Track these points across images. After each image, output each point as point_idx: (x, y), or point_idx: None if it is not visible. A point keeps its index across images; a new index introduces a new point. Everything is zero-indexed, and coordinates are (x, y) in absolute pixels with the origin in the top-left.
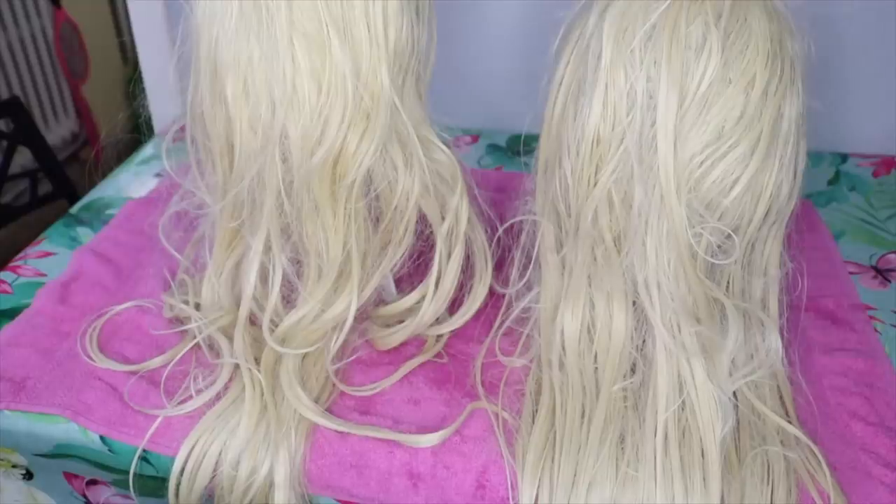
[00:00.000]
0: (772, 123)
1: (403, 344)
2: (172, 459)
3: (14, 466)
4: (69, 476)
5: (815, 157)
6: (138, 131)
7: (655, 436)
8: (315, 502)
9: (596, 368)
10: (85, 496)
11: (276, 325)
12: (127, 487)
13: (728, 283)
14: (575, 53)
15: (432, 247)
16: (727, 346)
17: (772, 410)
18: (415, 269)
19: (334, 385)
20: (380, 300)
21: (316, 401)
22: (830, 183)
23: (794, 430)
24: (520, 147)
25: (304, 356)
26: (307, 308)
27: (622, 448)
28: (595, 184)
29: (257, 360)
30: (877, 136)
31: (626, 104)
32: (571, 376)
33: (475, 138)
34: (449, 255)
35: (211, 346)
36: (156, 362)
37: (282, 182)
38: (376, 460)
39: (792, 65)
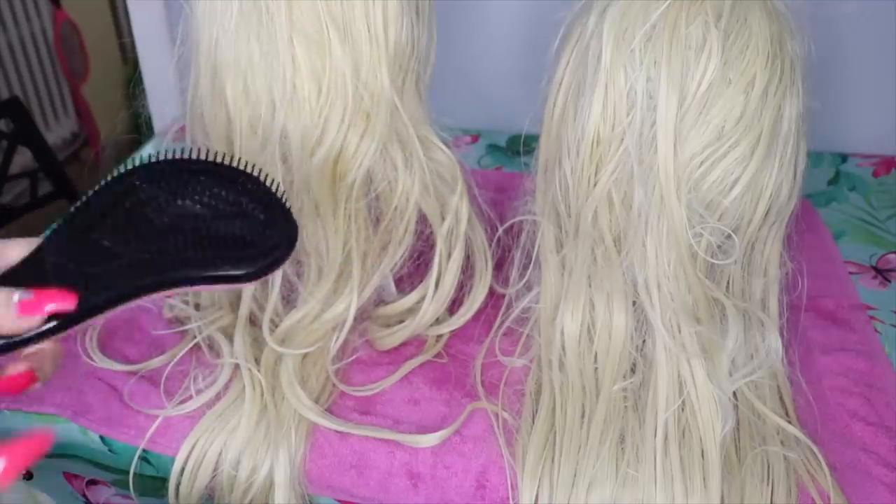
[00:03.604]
0: (772, 124)
1: (403, 344)
2: (172, 459)
3: None
4: (69, 476)
5: (815, 157)
6: (138, 131)
7: (655, 436)
8: (315, 502)
9: (596, 369)
10: (85, 496)
11: (276, 325)
12: (127, 487)
13: (728, 283)
14: (575, 54)
15: (432, 247)
16: (727, 346)
17: (772, 410)
18: (415, 269)
19: (334, 385)
20: (380, 300)
21: (316, 401)
22: (830, 183)
23: (794, 430)
24: (520, 147)
25: (304, 356)
26: (307, 308)
27: (622, 448)
28: (595, 184)
29: (257, 361)
30: (877, 136)
31: (626, 104)
32: (571, 376)
33: (475, 138)
34: (449, 255)
35: (211, 346)
36: (156, 362)
37: (282, 182)
38: (376, 460)
39: (792, 65)
